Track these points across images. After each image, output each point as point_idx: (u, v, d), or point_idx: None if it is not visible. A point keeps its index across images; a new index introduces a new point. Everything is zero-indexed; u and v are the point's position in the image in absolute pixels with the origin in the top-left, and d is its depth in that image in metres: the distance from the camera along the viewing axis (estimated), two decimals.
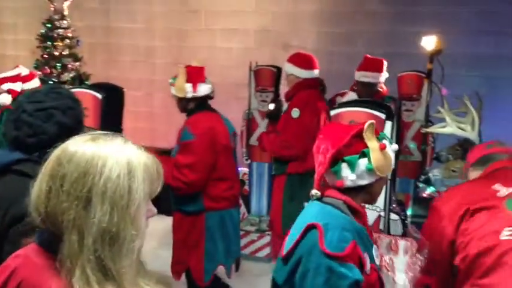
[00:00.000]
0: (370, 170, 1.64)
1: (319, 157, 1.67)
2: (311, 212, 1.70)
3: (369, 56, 4.09)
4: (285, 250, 1.68)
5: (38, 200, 1.00)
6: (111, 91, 3.77)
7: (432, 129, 3.36)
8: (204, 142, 2.92)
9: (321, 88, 3.69)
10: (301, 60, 3.69)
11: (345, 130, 1.69)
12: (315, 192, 1.69)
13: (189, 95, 3.01)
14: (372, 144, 1.64)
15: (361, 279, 1.58)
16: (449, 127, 3.01)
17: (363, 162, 1.63)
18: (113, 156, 0.99)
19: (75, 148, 1.00)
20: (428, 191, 4.31)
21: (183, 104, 3.10)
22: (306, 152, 3.37)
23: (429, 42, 3.99)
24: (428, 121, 4.13)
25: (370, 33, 5.27)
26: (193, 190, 2.93)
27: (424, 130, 3.86)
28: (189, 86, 2.99)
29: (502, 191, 1.83)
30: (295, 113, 3.50)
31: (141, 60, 6.30)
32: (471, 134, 2.97)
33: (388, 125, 2.55)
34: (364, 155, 1.64)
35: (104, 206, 0.95)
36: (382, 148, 1.65)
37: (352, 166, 1.63)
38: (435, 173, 3.00)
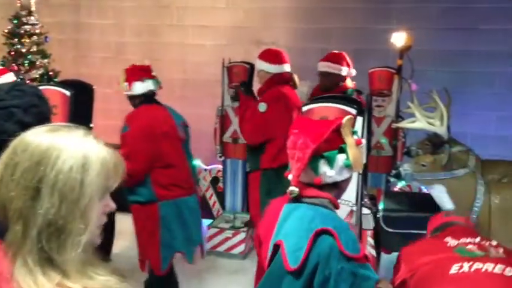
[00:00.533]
0: (347, 166, 1.60)
1: (297, 153, 1.59)
2: (305, 216, 1.59)
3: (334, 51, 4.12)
4: (293, 263, 1.52)
5: None
6: (80, 88, 3.69)
7: (402, 124, 3.41)
8: (138, 131, 3.00)
9: (291, 83, 3.70)
10: (270, 55, 3.70)
11: (323, 125, 1.64)
12: (293, 189, 1.60)
13: (127, 93, 3.19)
14: (349, 139, 1.60)
15: (377, 277, 1.56)
16: (418, 122, 3.06)
17: (341, 158, 1.60)
18: (69, 149, 0.97)
19: (32, 138, 0.99)
20: (400, 185, 4.39)
21: (131, 100, 3.25)
22: (279, 148, 3.41)
23: (399, 39, 4.05)
24: (399, 116, 4.19)
25: (342, 30, 5.32)
26: (134, 180, 2.96)
27: (394, 125, 3.92)
28: (125, 85, 3.17)
29: (451, 242, 2.04)
30: (262, 107, 3.53)
31: (112, 56, 6.20)
32: (440, 129, 3.02)
33: (360, 120, 2.57)
34: (342, 150, 1.60)
35: (52, 198, 0.94)
36: (358, 143, 1.63)
37: (331, 162, 1.59)
38: (405, 168, 3.04)
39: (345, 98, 2.79)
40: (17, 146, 0.99)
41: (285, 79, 3.66)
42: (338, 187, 1.67)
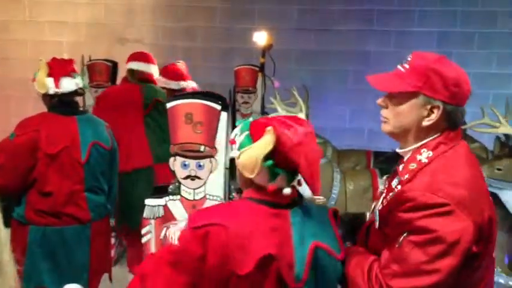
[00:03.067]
0: None
1: None
2: (317, 213, 1.61)
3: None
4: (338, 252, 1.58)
5: None
6: None
7: None
8: (18, 143, 2.58)
9: (132, 79, 3.66)
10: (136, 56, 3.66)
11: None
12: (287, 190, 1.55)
13: (51, 91, 2.65)
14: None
15: None
16: None
17: None
18: None
19: None
20: None
21: (47, 101, 2.73)
22: (126, 149, 3.35)
23: (261, 38, 4.20)
24: (264, 112, 4.36)
25: (207, 29, 5.37)
26: (2, 193, 2.59)
27: None
28: (50, 81, 2.64)
29: None
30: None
31: None
32: None
33: (224, 115, 2.61)
34: None
35: None
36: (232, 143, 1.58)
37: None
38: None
39: (208, 93, 2.80)
40: None
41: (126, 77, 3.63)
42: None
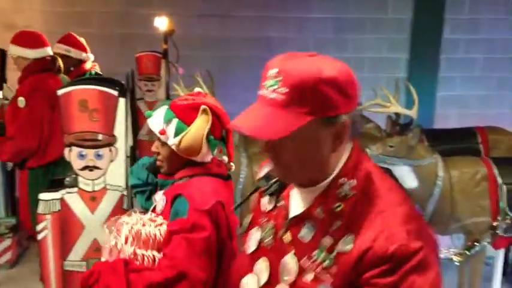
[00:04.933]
0: None
1: None
2: None
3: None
4: None
5: None
6: None
7: None
8: None
9: (55, 69, 3.40)
10: (27, 38, 3.32)
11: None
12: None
13: None
14: None
15: None
16: None
17: None
18: None
19: None
20: None
21: None
22: (45, 143, 3.17)
23: (161, 23, 4.09)
24: (169, 99, 4.27)
25: (104, 14, 5.13)
26: None
27: None
28: None
29: None
30: (21, 102, 3.17)
31: None
32: None
33: (122, 102, 2.52)
34: None
35: None
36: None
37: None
38: None
39: (105, 79, 2.67)
40: None
41: (46, 65, 3.34)
42: None
